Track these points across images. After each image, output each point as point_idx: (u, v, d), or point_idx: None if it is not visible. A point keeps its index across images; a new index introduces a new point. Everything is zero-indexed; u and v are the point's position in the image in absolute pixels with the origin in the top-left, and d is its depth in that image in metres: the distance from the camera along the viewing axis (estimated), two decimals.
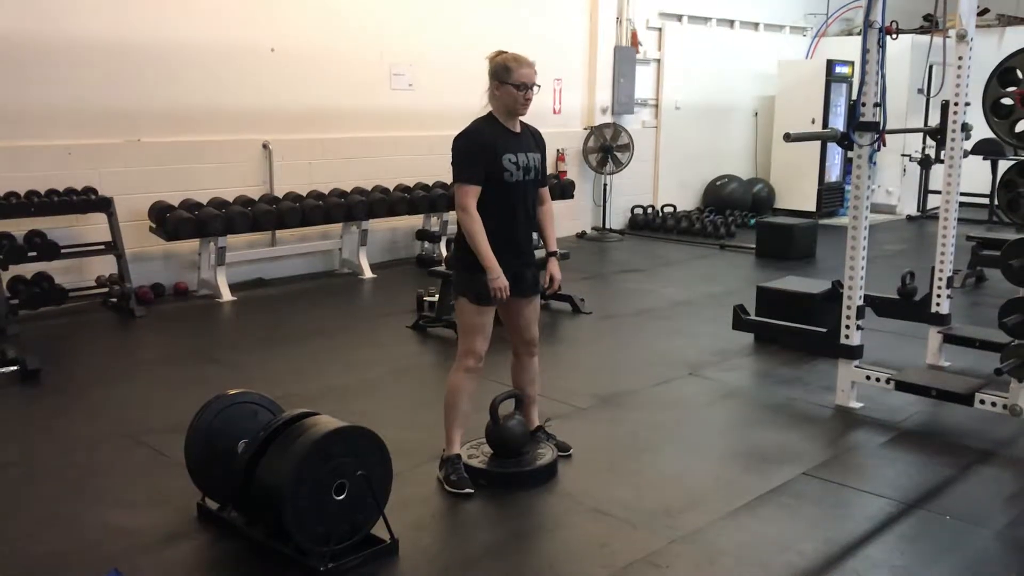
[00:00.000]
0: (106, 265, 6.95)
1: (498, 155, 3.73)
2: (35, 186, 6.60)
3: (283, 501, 3.08)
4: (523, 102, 3.78)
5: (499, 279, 3.73)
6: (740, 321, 5.87)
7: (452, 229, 8.93)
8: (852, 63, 11.96)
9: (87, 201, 6.75)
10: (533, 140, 3.94)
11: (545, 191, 4.02)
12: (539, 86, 3.84)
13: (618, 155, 10.52)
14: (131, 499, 3.78)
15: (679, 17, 11.77)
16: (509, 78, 3.73)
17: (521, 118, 3.89)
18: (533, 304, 4.01)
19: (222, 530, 3.49)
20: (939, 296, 5.52)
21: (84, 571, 3.18)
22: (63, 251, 6.56)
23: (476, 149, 3.73)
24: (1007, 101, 4.52)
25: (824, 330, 5.12)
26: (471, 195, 3.71)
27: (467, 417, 3.96)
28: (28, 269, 6.48)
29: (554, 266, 4.02)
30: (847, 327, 4.84)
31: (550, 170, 10.31)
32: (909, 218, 12.43)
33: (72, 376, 5.43)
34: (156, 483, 3.92)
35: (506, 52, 3.84)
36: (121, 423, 4.62)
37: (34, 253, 6.41)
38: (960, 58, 5.14)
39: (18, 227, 6.43)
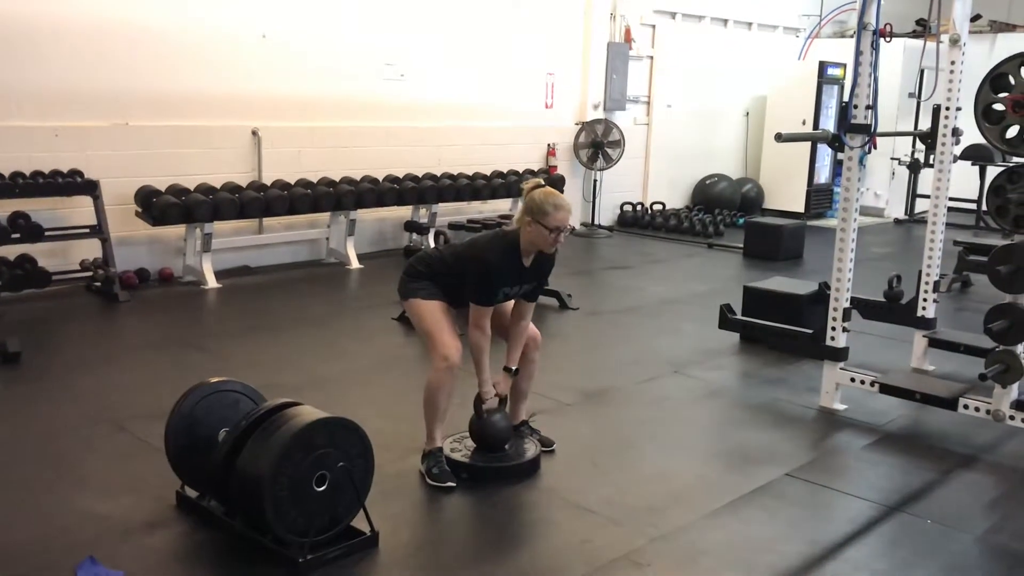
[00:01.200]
0: (91, 249, 6.89)
1: (497, 288, 3.82)
2: (20, 167, 6.54)
3: (263, 491, 3.05)
4: (553, 243, 3.78)
5: (490, 392, 3.94)
6: (726, 320, 5.87)
7: (440, 221, 8.94)
8: (844, 65, 11.98)
9: (73, 184, 6.70)
10: (539, 272, 3.94)
11: (528, 308, 3.99)
12: (573, 228, 3.86)
13: (609, 151, 10.51)
14: (110, 486, 3.74)
15: (673, 14, 11.76)
16: (544, 220, 3.72)
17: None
18: (519, 302, 4.00)
19: (201, 519, 3.46)
20: (925, 300, 5.53)
21: (59, 558, 3.14)
22: (47, 233, 6.50)
23: (494, 280, 3.79)
24: (998, 107, 4.52)
25: (810, 331, 5.12)
26: (487, 316, 3.83)
27: (447, 412, 3.94)
28: (11, 251, 6.42)
29: (504, 382, 4.00)
30: (833, 329, 4.84)
31: (540, 164, 10.31)
32: (896, 221, 12.48)
33: (53, 360, 5.38)
34: (135, 470, 3.88)
35: (545, 187, 3.84)
36: (102, 409, 4.58)
37: (18, 235, 6.35)
38: (952, 63, 5.14)
39: (2, 208, 6.37)
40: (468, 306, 3.86)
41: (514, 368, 4.02)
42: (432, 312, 3.85)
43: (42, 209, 6.61)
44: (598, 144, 10.51)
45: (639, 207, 11.46)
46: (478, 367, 3.91)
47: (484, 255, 3.81)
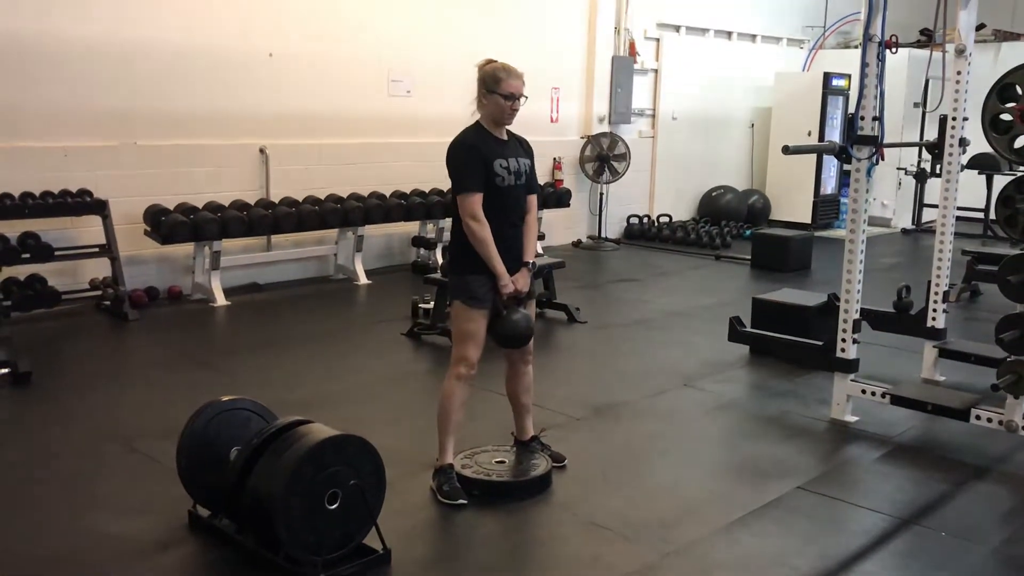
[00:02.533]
0: (100, 268, 6.91)
1: (489, 161, 3.77)
2: (30, 188, 6.57)
3: (275, 510, 3.05)
4: (510, 112, 3.81)
5: (509, 285, 3.79)
6: (736, 333, 5.87)
7: (448, 236, 8.93)
8: (849, 76, 11.99)
9: (82, 203, 6.72)
10: (521, 147, 3.97)
11: (533, 199, 4.00)
12: (527, 97, 3.87)
13: (615, 164, 10.52)
14: (122, 505, 3.74)
15: (677, 28, 11.78)
16: (498, 88, 3.77)
17: (508, 127, 3.91)
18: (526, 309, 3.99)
19: (213, 538, 3.46)
20: (935, 310, 5.52)
21: None
22: (57, 253, 6.52)
23: (472, 156, 3.76)
24: (1006, 117, 4.52)
25: (820, 343, 5.11)
26: (478, 202, 3.74)
27: (460, 426, 3.94)
28: (21, 271, 6.45)
29: (523, 276, 3.90)
30: (843, 340, 4.83)
31: (546, 178, 10.32)
32: (904, 231, 12.45)
33: (64, 379, 5.39)
34: (147, 489, 3.89)
35: (496, 61, 3.87)
36: (113, 428, 4.59)
37: (27, 255, 6.37)
38: (958, 73, 5.14)
39: (12, 228, 6.39)
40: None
41: (531, 262, 3.96)
42: (471, 322, 3.82)
43: (52, 229, 6.64)
44: (604, 157, 10.52)
45: (646, 220, 11.47)
46: (491, 259, 3.76)
47: (456, 139, 3.83)
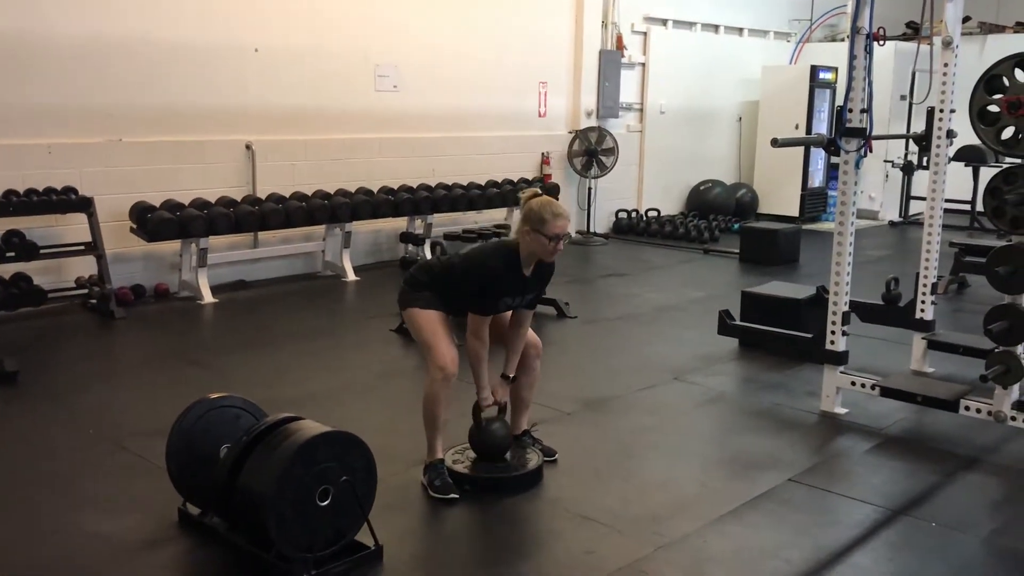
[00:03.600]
0: (86, 266, 6.87)
1: (502, 296, 3.82)
2: (14, 185, 6.52)
3: (266, 507, 3.03)
4: (553, 252, 3.79)
5: (489, 398, 3.95)
6: (725, 326, 5.87)
7: (436, 232, 8.93)
8: (836, 69, 12.02)
9: (67, 201, 6.67)
10: (539, 281, 3.95)
11: (527, 316, 4.00)
12: (571, 236, 3.87)
13: (603, 159, 10.51)
14: (111, 504, 3.72)
15: (664, 22, 11.78)
16: (543, 229, 3.73)
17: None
18: (518, 310, 3.98)
19: (203, 536, 3.44)
20: (923, 302, 5.53)
21: None
22: (42, 251, 6.47)
23: (496, 288, 3.80)
24: (993, 108, 4.53)
25: (809, 335, 5.12)
26: (486, 324, 3.85)
27: (446, 423, 3.92)
28: (6, 269, 6.39)
29: (502, 389, 3.99)
30: (832, 333, 4.84)
31: (534, 173, 10.31)
32: (891, 224, 12.50)
33: (51, 378, 5.35)
34: (136, 488, 3.86)
35: (542, 195, 3.86)
36: (101, 427, 4.56)
37: (12, 253, 6.31)
38: (945, 65, 5.16)
39: None
40: (467, 315, 3.85)
41: (512, 376, 4.01)
42: (430, 322, 3.84)
43: (36, 227, 6.59)
44: (592, 152, 10.52)
45: (634, 214, 11.47)
46: (476, 376, 3.91)
47: (487, 263, 3.81)
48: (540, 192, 3.91)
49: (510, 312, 3.97)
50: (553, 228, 3.72)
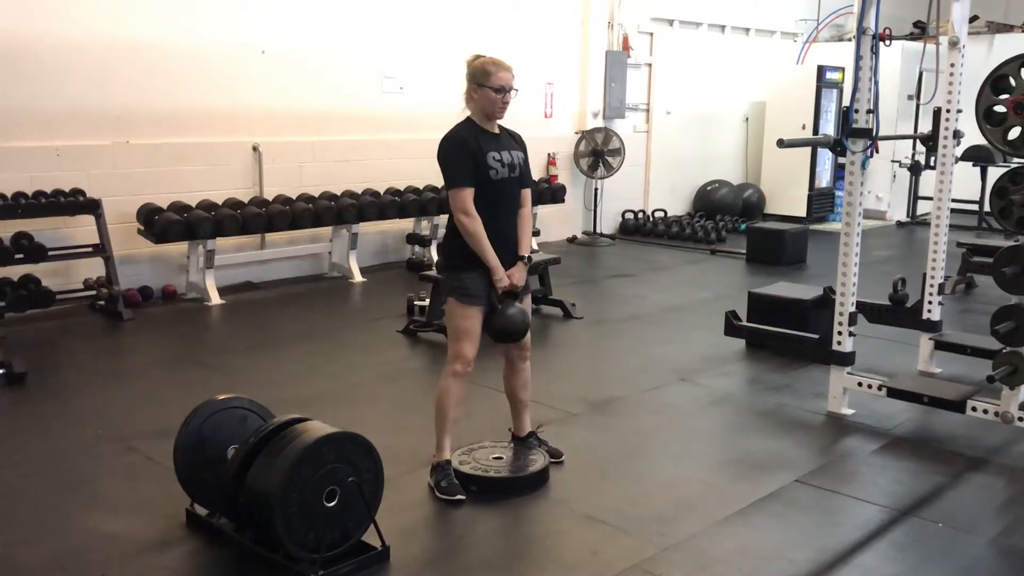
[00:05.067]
0: (94, 267, 6.90)
1: (481, 154, 3.77)
2: (22, 187, 6.55)
3: (273, 508, 3.05)
4: (501, 106, 3.80)
5: (504, 279, 3.79)
6: (732, 327, 5.86)
7: (442, 233, 8.91)
8: (843, 69, 12.00)
9: (75, 203, 6.70)
10: (513, 140, 3.97)
11: (527, 193, 3.99)
12: (517, 90, 3.86)
13: (609, 159, 10.51)
14: (119, 504, 3.74)
15: (670, 22, 11.77)
16: (487, 81, 3.76)
17: (499, 121, 3.91)
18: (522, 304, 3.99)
19: (211, 536, 3.45)
20: (930, 303, 5.52)
21: None
22: (50, 253, 6.50)
23: (464, 151, 3.76)
24: (1000, 108, 4.52)
25: (816, 336, 5.12)
26: (470, 197, 3.74)
27: (457, 422, 3.93)
28: (15, 271, 6.42)
29: (518, 271, 3.89)
30: (839, 333, 4.83)
31: (541, 174, 10.31)
32: (899, 224, 12.47)
33: (59, 380, 5.38)
34: (144, 488, 3.88)
35: (484, 56, 3.86)
36: (109, 427, 4.58)
37: (21, 255, 6.34)
38: (952, 65, 5.14)
39: (5, 229, 6.37)
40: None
41: (527, 256, 3.96)
42: (465, 318, 3.82)
43: (45, 229, 6.62)
44: (598, 152, 10.52)
45: (640, 215, 11.46)
46: (485, 252, 3.76)
47: (447, 135, 3.83)
48: (482, 55, 3.90)
49: (516, 304, 3.93)
50: (498, 79, 3.75)
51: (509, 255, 3.87)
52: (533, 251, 3.99)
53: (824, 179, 12.48)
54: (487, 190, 3.77)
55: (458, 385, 3.85)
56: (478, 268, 3.79)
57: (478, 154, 3.76)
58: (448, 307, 3.90)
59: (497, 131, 3.90)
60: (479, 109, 3.83)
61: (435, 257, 8.39)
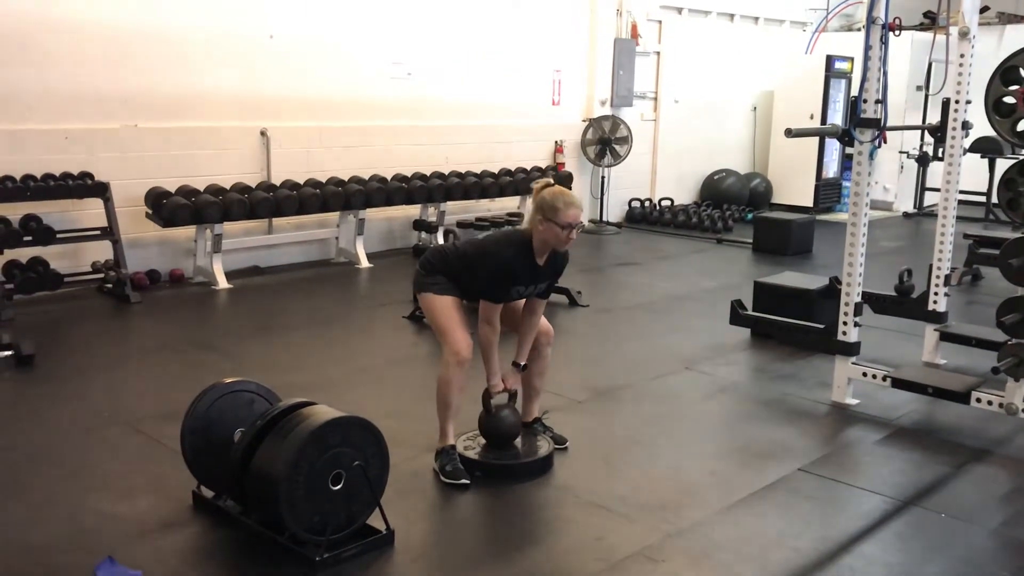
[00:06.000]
0: (102, 250, 6.92)
1: (514, 285, 3.83)
2: (31, 170, 6.57)
3: (279, 491, 3.07)
4: (566, 241, 3.79)
5: (499, 384, 3.98)
6: (737, 316, 5.87)
7: (449, 220, 8.95)
8: (852, 59, 11.96)
9: (83, 186, 6.72)
10: (552, 271, 3.95)
11: (541, 303, 4.01)
12: (584, 224, 3.85)
13: (616, 148, 10.50)
14: (126, 487, 3.77)
15: (679, 10, 11.74)
16: (556, 218, 3.73)
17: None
18: (531, 299, 4.00)
19: (217, 519, 3.48)
20: (936, 294, 5.52)
21: (79, 558, 3.17)
22: (59, 236, 6.53)
23: (506, 277, 3.81)
24: (1009, 100, 4.51)
25: (821, 326, 5.12)
26: (497, 312, 3.85)
27: (459, 408, 3.95)
28: (23, 253, 6.45)
29: (512, 377, 4.01)
30: (844, 324, 4.84)
31: (548, 161, 10.31)
32: (906, 215, 12.44)
33: (67, 362, 5.41)
34: (151, 471, 3.91)
35: (554, 185, 3.86)
36: (116, 410, 4.61)
37: (29, 238, 6.37)
38: (962, 56, 5.13)
39: (14, 211, 6.39)
40: (479, 301, 3.88)
41: (523, 364, 4.04)
42: (445, 307, 3.87)
43: (53, 212, 6.65)
44: (606, 141, 10.50)
45: (647, 203, 11.46)
46: (487, 362, 3.94)
47: (500, 253, 3.82)
48: (552, 182, 3.92)
49: (523, 300, 3.99)
50: (566, 217, 3.73)
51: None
52: None
53: (831, 169, 12.45)
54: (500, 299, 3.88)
55: (459, 374, 3.86)
56: (446, 281, 3.90)
57: (513, 283, 3.83)
58: (425, 304, 3.95)
59: (543, 262, 3.87)
60: (542, 240, 3.80)
61: (441, 243, 8.39)
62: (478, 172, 9.30)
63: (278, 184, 7.90)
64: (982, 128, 5.22)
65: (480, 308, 3.87)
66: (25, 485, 3.78)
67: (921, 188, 12.45)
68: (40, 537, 3.34)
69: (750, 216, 11.07)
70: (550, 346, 4.15)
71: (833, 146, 12.20)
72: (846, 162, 12.09)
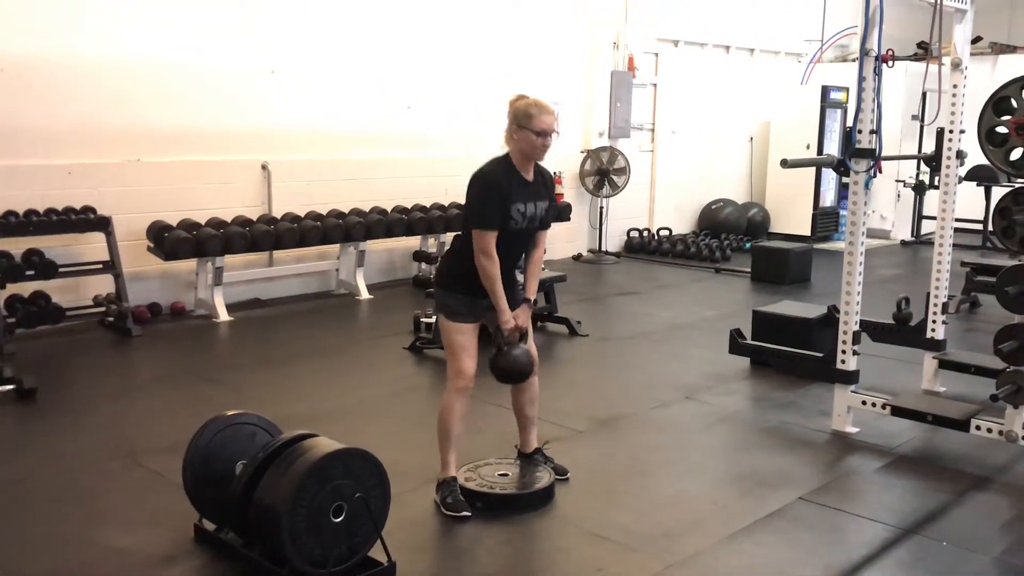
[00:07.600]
0: (104, 284, 6.95)
1: (508, 203, 3.78)
2: (34, 205, 6.61)
3: (280, 523, 3.07)
4: (541, 148, 3.81)
5: (510, 320, 3.84)
6: (737, 345, 5.89)
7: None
8: (847, 89, 12.05)
9: (86, 220, 6.77)
10: (544, 187, 3.97)
11: (543, 235, 4.04)
12: (558, 133, 3.87)
13: (614, 178, 10.57)
14: (128, 519, 3.77)
15: (675, 42, 11.86)
16: (529, 124, 3.76)
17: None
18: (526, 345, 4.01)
19: (219, 551, 3.48)
20: (934, 322, 5.55)
21: None
22: (61, 270, 6.57)
23: (497, 194, 3.77)
24: (1002, 129, 4.56)
25: (820, 355, 5.14)
26: (493, 240, 3.77)
27: (460, 439, 3.96)
28: (26, 287, 6.48)
29: (524, 313, 3.96)
30: (843, 352, 4.86)
31: None
32: (903, 243, 12.49)
33: (69, 395, 5.42)
34: (153, 503, 3.91)
35: (528, 97, 3.88)
36: (118, 443, 4.61)
37: (32, 272, 6.41)
38: (955, 86, 5.19)
39: (16, 245, 6.43)
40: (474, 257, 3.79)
41: (533, 299, 4.01)
42: (460, 334, 3.87)
43: (56, 246, 6.68)
44: (604, 171, 10.57)
45: (646, 233, 11.51)
46: (495, 296, 3.81)
47: (483, 171, 3.83)
48: (526, 95, 3.92)
49: (521, 346, 3.96)
50: (539, 123, 3.75)
51: (512, 287, 3.92)
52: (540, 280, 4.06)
53: (828, 198, 12.52)
54: (502, 236, 3.80)
55: (461, 401, 3.89)
56: (465, 293, 3.85)
57: (507, 200, 3.78)
58: (440, 324, 3.97)
59: (531, 177, 3.88)
60: (518, 150, 3.83)
61: None
62: None
63: (279, 217, 7.95)
64: (977, 157, 5.27)
65: (475, 240, 3.76)
66: (27, 518, 3.78)
67: (918, 216, 12.52)
68: (41, 570, 3.34)
69: (748, 245, 11.11)
70: (535, 375, 4.14)
71: (830, 175, 12.27)
72: (843, 191, 12.17)
